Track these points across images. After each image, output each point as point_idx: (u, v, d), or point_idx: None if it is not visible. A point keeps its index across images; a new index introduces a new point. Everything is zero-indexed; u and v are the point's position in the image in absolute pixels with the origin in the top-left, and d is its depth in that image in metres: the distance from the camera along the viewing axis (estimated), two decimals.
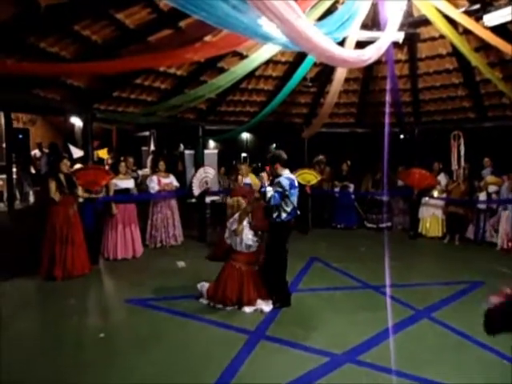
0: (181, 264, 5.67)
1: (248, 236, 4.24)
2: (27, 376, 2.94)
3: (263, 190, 4.12)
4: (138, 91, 6.79)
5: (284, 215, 4.15)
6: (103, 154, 8.74)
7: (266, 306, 4.11)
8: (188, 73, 6.74)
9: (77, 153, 9.16)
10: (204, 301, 4.26)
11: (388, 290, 4.67)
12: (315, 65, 7.02)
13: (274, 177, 4.28)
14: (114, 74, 5.43)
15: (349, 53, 4.35)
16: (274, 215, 4.14)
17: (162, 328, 3.73)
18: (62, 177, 5.19)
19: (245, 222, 4.27)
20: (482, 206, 7.11)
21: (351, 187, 8.55)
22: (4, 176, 7.84)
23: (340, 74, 6.54)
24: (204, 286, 4.35)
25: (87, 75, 5.69)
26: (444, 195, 7.55)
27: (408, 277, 5.30)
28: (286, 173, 4.27)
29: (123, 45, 5.10)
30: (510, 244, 6.53)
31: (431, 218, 7.70)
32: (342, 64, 4.93)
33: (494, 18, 4.85)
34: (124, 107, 7.07)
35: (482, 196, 7.11)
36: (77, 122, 10.24)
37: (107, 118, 7.38)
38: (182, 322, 3.85)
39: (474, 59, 6.17)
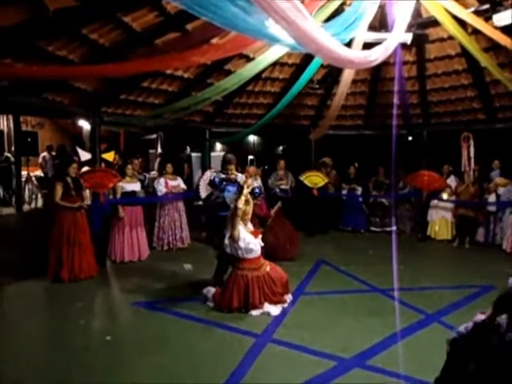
0: (188, 267, 5.66)
1: (247, 240, 4.15)
2: (33, 377, 2.94)
3: (257, 191, 4.57)
4: (145, 94, 6.82)
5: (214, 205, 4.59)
6: (109, 156, 8.77)
7: (274, 310, 4.07)
8: (195, 75, 6.76)
9: (85, 156, 9.23)
10: (210, 304, 4.24)
11: (397, 294, 4.60)
12: (322, 67, 7.00)
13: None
14: (121, 76, 5.47)
15: (355, 54, 4.32)
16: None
17: (169, 331, 3.71)
18: (69, 180, 5.23)
19: (240, 227, 4.17)
20: (492, 208, 7.02)
21: (359, 190, 8.48)
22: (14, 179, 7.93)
23: (347, 76, 6.50)
24: (210, 291, 4.33)
25: (95, 78, 5.73)
26: (453, 198, 7.45)
27: (417, 280, 5.23)
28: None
29: (130, 48, 5.13)
30: None
31: (440, 220, 7.60)
32: (348, 65, 4.90)
33: (503, 18, 4.79)
34: (131, 110, 7.11)
35: (491, 198, 7.02)
36: (85, 125, 10.34)
37: (115, 121, 7.42)
38: (188, 325, 3.83)
39: (484, 60, 6.10)
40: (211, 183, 4.68)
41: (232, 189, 4.53)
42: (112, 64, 4.54)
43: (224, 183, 4.60)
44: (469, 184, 7.22)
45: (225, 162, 4.76)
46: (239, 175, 4.70)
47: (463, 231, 7.23)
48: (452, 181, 7.63)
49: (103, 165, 7.06)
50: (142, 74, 5.82)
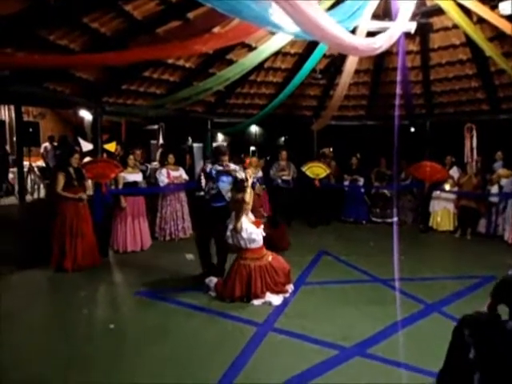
0: (189, 257, 5.69)
1: (249, 231, 4.17)
2: (36, 366, 2.97)
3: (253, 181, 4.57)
4: (146, 84, 6.79)
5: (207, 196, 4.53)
6: (111, 147, 8.76)
7: (276, 299, 4.09)
8: (196, 65, 6.71)
9: (86, 146, 9.23)
10: (213, 293, 4.27)
11: (398, 284, 4.63)
12: (325, 56, 6.93)
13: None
14: (122, 65, 5.43)
15: (360, 40, 4.27)
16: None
17: (171, 320, 3.74)
18: (71, 170, 5.24)
19: (243, 218, 4.19)
20: (494, 200, 7.00)
21: (361, 181, 8.47)
22: (15, 169, 7.94)
23: (350, 66, 6.44)
24: (212, 281, 4.36)
25: (96, 68, 5.70)
26: (456, 189, 7.43)
27: (418, 270, 5.24)
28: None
29: (131, 37, 5.08)
30: None
31: (442, 211, 7.60)
32: (352, 52, 4.85)
33: (509, 7, 4.72)
34: (133, 100, 7.08)
35: (494, 189, 7.00)
36: (86, 115, 10.30)
37: (116, 111, 7.41)
38: (191, 314, 3.87)
39: (489, 49, 6.03)
40: (207, 175, 4.62)
41: (226, 179, 4.51)
42: (113, 52, 4.51)
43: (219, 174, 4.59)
44: (471, 175, 7.19)
45: (218, 153, 4.72)
46: (233, 166, 4.65)
47: (465, 222, 7.23)
48: (454, 172, 7.60)
49: (105, 155, 7.07)
50: (144, 62, 5.79)
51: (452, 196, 7.50)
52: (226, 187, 4.49)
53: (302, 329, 3.51)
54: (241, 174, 4.42)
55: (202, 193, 4.60)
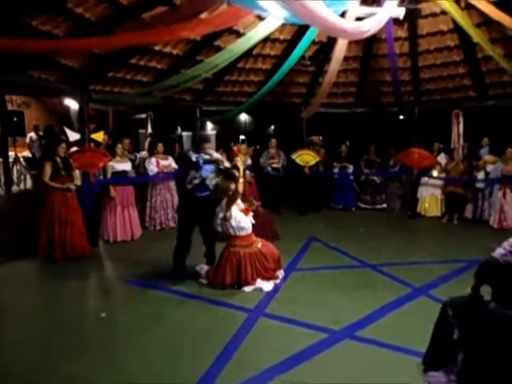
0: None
1: (238, 219, 4.18)
2: (27, 356, 2.96)
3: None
4: (133, 71, 6.69)
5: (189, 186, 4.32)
6: (98, 137, 8.62)
7: (266, 286, 4.13)
8: (184, 52, 6.62)
9: (73, 136, 9.07)
10: (204, 281, 4.29)
11: (386, 269, 4.71)
12: (313, 43, 6.90)
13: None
14: (108, 51, 5.33)
15: (349, 24, 4.26)
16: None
17: (163, 307, 3.76)
18: (58, 160, 5.16)
19: (233, 206, 4.19)
20: (480, 185, 7.13)
21: (350, 168, 8.52)
22: (0, 160, 7.79)
23: (339, 52, 6.42)
24: (203, 268, 4.38)
25: (81, 54, 5.59)
26: (443, 175, 7.53)
27: (406, 255, 5.33)
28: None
29: (117, 22, 4.98)
30: (503, 223, 6.56)
31: (430, 197, 7.70)
32: (341, 35, 4.84)
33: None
34: (120, 88, 6.98)
35: (480, 175, 7.12)
36: (72, 104, 10.11)
37: (103, 100, 7.29)
38: (182, 301, 3.89)
39: (476, 35, 6.07)
40: (193, 164, 4.37)
41: (209, 168, 4.37)
42: (98, 38, 4.41)
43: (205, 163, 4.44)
44: (458, 161, 7.29)
45: (202, 141, 4.60)
46: (215, 154, 4.56)
47: (452, 208, 7.35)
48: (442, 158, 7.69)
49: (92, 145, 6.96)
50: (130, 49, 5.69)
51: (439, 182, 7.60)
52: (209, 176, 4.34)
53: (292, 314, 3.55)
54: (227, 164, 4.36)
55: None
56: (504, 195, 6.65)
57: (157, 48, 6.24)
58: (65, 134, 9.21)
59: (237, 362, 2.83)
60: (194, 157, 4.36)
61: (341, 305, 3.79)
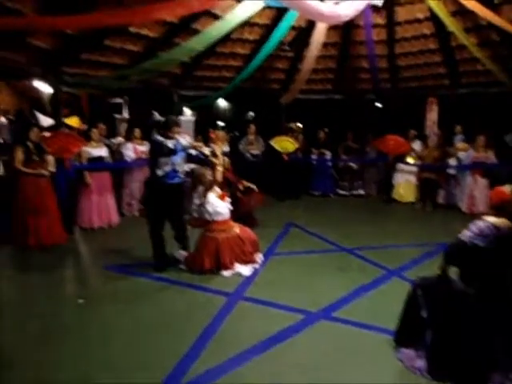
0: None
1: (215, 204, 4.19)
2: (3, 345, 2.91)
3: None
4: (108, 54, 6.50)
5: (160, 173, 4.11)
6: (73, 122, 8.36)
7: (245, 270, 4.18)
8: (161, 34, 6.47)
9: (46, 121, 8.76)
10: (182, 266, 4.30)
11: (362, 252, 4.85)
12: (292, 29, 6.87)
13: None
14: (78, 31, 5.13)
15: (326, 7, 4.25)
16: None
17: (142, 292, 3.76)
18: (30, 145, 5.01)
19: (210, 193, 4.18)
20: (452, 172, 7.36)
21: (328, 154, 8.62)
22: None
23: (318, 38, 6.43)
24: (181, 254, 4.38)
25: (53, 35, 5.37)
26: (418, 161, 7.73)
27: (381, 239, 5.49)
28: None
29: (88, 1, 4.80)
30: (472, 208, 6.82)
31: (405, 183, 7.90)
32: (318, 18, 4.83)
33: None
34: (94, 71, 6.77)
35: (452, 162, 7.34)
36: (44, 87, 9.73)
37: (76, 83, 7.05)
38: (161, 286, 3.89)
39: (451, 24, 6.19)
40: (170, 151, 4.12)
41: (181, 154, 4.22)
42: (69, 17, 4.23)
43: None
44: (432, 148, 7.48)
45: (171, 124, 4.18)
46: (187, 137, 4.44)
47: (426, 193, 7.56)
48: (417, 145, 7.87)
49: (66, 130, 6.76)
50: (104, 29, 5.50)
51: (414, 169, 7.80)
52: (180, 162, 4.23)
53: (270, 297, 3.62)
54: (206, 150, 4.31)
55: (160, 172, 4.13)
56: (474, 181, 6.89)
57: (132, 30, 6.08)
58: (36, 118, 8.89)
59: (216, 343, 2.88)
60: (170, 143, 4.10)
61: (318, 287, 3.88)
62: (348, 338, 2.97)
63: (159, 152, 4.09)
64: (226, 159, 6.45)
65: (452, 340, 2.45)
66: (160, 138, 4.13)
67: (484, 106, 7.81)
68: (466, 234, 2.46)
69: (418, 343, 2.61)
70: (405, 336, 2.72)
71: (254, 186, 5.93)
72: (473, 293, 2.44)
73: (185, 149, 4.32)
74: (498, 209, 2.51)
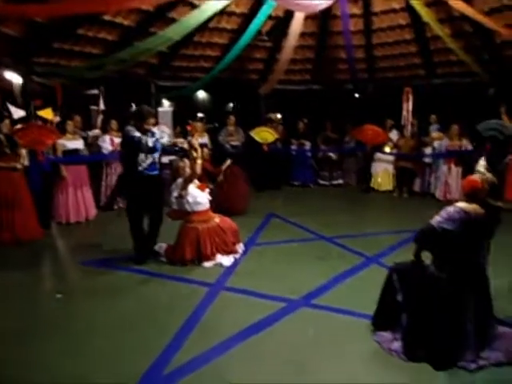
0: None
1: (194, 194, 4.18)
2: None
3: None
4: (81, 43, 6.32)
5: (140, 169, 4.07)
6: (46, 113, 8.09)
7: (226, 260, 4.19)
8: (136, 23, 6.32)
9: (17, 112, 8.46)
10: (163, 259, 4.28)
11: (341, 241, 4.93)
12: (270, 18, 6.83)
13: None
14: (51, 19, 4.95)
15: None
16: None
17: (122, 286, 3.73)
18: (1, 137, 4.84)
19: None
20: (428, 160, 7.54)
21: (308, 145, 8.67)
22: None
23: (295, 28, 6.42)
24: (162, 247, 4.36)
25: (22, 23, 5.17)
26: (395, 151, 7.87)
27: (360, 228, 5.61)
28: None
29: None
30: (447, 195, 7.03)
31: (383, 172, 8.05)
32: (295, 7, 4.81)
33: None
34: (67, 61, 6.57)
35: (428, 151, 7.52)
36: (14, 78, 9.38)
37: (49, 73, 6.82)
38: (141, 279, 3.87)
39: (426, 14, 6.28)
40: (149, 150, 4.03)
41: (159, 147, 4.15)
42: (39, 4, 4.07)
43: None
44: (408, 137, 7.64)
45: (147, 115, 4.06)
46: (159, 133, 4.29)
47: (402, 182, 7.74)
48: (394, 134, 8.01)
49: (40, 122, 6.55)
50: (76, 18, 5.33)
51: (391, 158, 7.95)
52: (159, 156, 4.20)
53: (252, 286, 3.65)
54: (185, 144, 4.26)
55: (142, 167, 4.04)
56: (449, 169, 7.09)
57: (106, 18, 5.91)
58: (8, 110, 8.57)
59: (199, 333, 2.90)
60: (150, 141, 3.98)
61: (298, 276, 3.94)
62: (328, 324, 3.04)
63: (138, 149, 4.00)
64: (206, 150, 6.44)
65: (426, 322, 2.54)
66: (137, 133, 4.00)
67: (458, 95, 8.00)
68: (435, 219, 2.55)
69: (394, 326, 2.70)
70: (382, 320, 2.81)
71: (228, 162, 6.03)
72: (445, 277, 2.53)
73: (165, 147, 4.29)
74: (469, 196, 2.60)
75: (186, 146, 4.26)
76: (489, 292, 2.60)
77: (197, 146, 4.16)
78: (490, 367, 2.45)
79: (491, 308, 2.62)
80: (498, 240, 2.73)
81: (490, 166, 2.98)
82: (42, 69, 6.27)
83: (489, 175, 2.69)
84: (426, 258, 2.72)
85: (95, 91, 10.12)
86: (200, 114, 12.08)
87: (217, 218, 4.37)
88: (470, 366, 2.43)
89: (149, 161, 4.08)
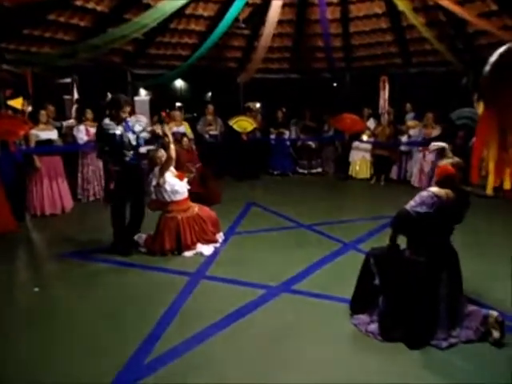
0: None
1: (172, 183, 4.16)
2: None
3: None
4: (52, 29, 6.09)
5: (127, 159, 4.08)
6: (17, 103, 7.80)
7: (206, 249, 4.20)
8: (109, 9, 6.14)
9: None
10: (143, 249, 4.25)
11: (320, 228, 5.02)
12: (248, 5, 6.76)
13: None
14: (19, 4, 4.75)
15: None
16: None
17: (102, 278, 3.69)
18: None
19: (166, 173, 4.14)
20: (404, 148, 7.71)
21: (286, 134, 8.70)
22: None
23: (273, 15, 6.38)
24: (141, 237, 4.32)
25: None
26: (372, 139, 8.00)
27: (338, 215, 5.70)
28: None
29: None
30: (422, 182, 7.23)
31: (360, 160, 8.17)
32: None
33: None
34: (37, 48, 6.33)
35: (404, 139, 7.68)
36: None
37: (18, 60, 6.56)
38: (121, 270, 3.84)
39: (401, 3, 6.34)
40: (132, 147, 4.06)
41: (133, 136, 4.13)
42: None
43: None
44: (385, 126, 7.77)
45: (123, 103, 4.02)
46: (143, 118, 4.36)
47: (379, 170, 7.89)
48: (371, 123, 8.12)
49: (10, 112, 6.32)
50: (45, 2, 5.13)
51: (369, 146, 8.08)
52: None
53: (232, 274, 3.68)
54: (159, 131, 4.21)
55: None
56: (424, 157, 7.27)
57: (78, 3, 5.72)
58: None
59: (180, 322, 2.91)
60: (132, 139, 4.02)
61: (278, 263, 3.99)
62: (308, 309, 3.11)
63: (121, 146, 4.00)
64: (185, 139, 6.38)
65: (403, 304, 2.64)
66: (118, 131, 3.99)
67: (433, 85, 8.17)
68: (409, 204, 2.64)
69: (371, 309, 2.79)
70: (359, 303, 2.89)
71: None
72: (421, 260, 2.63)
73: (146, 141, 4.28)
74: (442, 182, 2.69)
75: (159, 131, 4.20)
76: (459, 270, 2.72)
77: (167, 132, 4.13)
78: (460, 344, 2.57)
79: (461, 286, 2.74)
80: (468, 222, 2.85)
81: (461, 152, 3.07)
82: (11, 56, 6.02)
83: (458, 159, 2.78)
84: (402, 242, 2.80)
85: (68, 80, 9.83)
86: (178, 104, 11.93)
87: (196, 208, 4.37)
88: (442, 344, 2.54)
89: (131, 153, 4.11)
